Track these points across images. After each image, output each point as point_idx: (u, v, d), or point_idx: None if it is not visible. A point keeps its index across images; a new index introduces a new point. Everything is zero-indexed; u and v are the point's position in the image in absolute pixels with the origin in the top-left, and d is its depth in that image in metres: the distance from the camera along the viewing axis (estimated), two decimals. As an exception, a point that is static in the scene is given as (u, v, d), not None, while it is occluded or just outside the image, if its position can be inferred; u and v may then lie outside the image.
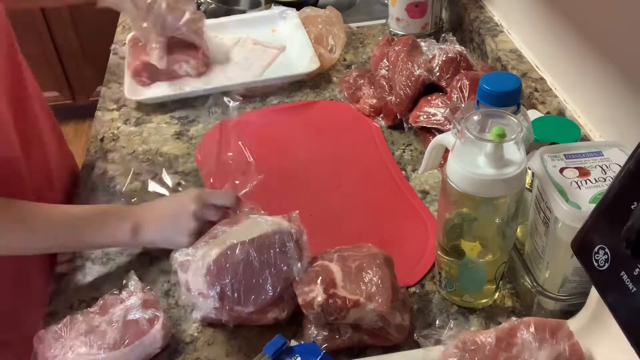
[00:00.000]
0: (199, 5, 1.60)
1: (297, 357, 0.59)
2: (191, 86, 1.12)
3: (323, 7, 1.28)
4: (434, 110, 0.93)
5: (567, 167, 0.64)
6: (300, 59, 1.17)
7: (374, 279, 0.68)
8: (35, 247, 0.78)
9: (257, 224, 0.70)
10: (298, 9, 1.29)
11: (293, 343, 0.61)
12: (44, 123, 0.94)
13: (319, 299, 0.66)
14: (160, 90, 1.12)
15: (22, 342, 0.90)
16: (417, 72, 0.96)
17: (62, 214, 0.78)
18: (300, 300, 0.68)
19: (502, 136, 0.58)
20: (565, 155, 0.65)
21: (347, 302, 0.66)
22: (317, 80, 1.15)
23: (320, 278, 0.68)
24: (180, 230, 0.78)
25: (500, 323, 0.70)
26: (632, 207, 0.47)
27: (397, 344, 0.68)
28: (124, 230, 0.77)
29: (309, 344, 0.61)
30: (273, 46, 1.24)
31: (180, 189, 0.93)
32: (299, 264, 0.69)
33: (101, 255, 0.83)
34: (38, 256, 0.88)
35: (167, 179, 0.95)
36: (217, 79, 1.13)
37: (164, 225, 0.79)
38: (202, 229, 0.77)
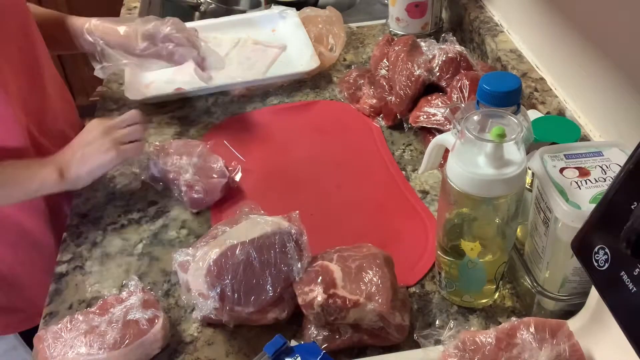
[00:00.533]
0: (199, 5, 1.60)
1: (297, 357, 0.59)
2: (191, 85, 1.11)
3: (323, 7, 1.28)
4: (434, 110, 0.93)
5: (567, 167, 0.64)
6: (301, 57, 1.17)
7: (374, 279, 0.67)
8: None
9: (257, 224, 0.70)
10: (298, 9, 1.29)
11: (293, 343, 0.61)
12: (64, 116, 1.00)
13: (319, 299, 0.66)
14: (160, 90, 1.12)
15: (28, 308, 0.92)
16: (417, 72, 0.96)
17: None
18: (300, 301, 0.68)
19: (502, 136, 0.58)
20: (565, 155, 0.65)
21: (347, 302, 0.66)
22: (317, 80, 1.15)
23: (320, 278, 0.68)
24: (98, 150, 0.83)
25: (500, 323, 0.70)
26: (632, 207, 0.47)
27: (397, 344, 0.68)
28: (50, 172, 0.82)
29: (309, 344, 0.61)
30: (274, 45, 1.24)
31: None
32: (299, 264, 0.69)
33: (101, 255, 0.83)
34: (40, 219, 0.92)
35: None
36: (219, 78, 1.13)
37: (83, 155, 0.83)
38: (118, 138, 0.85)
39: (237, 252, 0.67)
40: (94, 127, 0.85)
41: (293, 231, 0.70)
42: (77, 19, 0.99)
